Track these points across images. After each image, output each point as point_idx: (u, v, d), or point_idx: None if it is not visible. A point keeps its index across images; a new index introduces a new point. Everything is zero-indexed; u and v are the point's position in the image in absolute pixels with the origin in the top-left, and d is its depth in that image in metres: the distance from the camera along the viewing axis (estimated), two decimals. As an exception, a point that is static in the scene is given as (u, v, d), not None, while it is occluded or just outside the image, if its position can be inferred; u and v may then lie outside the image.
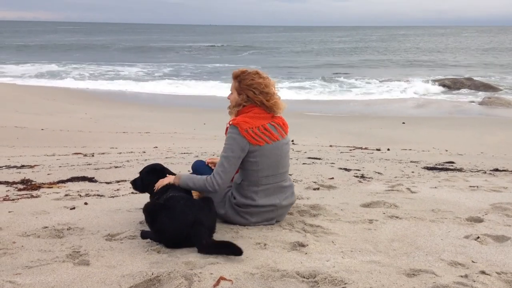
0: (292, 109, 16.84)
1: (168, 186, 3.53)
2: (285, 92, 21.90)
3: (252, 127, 3.36)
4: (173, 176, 3.59)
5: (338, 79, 29.28)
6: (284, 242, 3.22)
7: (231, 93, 3.57)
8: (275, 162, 3.47)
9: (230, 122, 3.43)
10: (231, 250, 2.91)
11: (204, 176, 3.44)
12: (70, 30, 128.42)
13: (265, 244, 3.15)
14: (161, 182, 3.58)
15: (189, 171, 4.13)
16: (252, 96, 3.44)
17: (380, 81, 28.03)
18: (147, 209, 3.25)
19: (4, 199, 4.58)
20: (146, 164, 4.25)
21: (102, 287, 2.48)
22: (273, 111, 3.50)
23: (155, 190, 3.59)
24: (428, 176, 6.37)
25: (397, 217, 3.86)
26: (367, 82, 27.59)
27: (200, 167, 3.85)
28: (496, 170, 7.13)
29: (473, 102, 21.11)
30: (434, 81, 27.37)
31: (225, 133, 3.52)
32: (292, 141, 3.62)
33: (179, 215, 3.11)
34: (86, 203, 4.34)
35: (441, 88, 24.99)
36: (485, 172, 6.87)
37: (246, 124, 3.36)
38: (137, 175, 3.87)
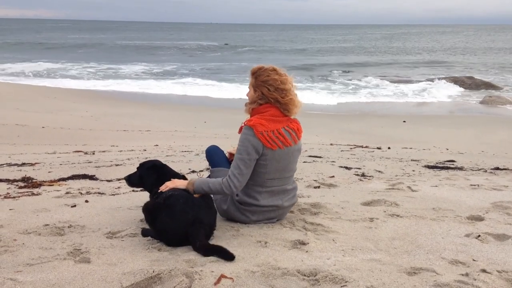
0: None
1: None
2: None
3: (267, 130, 3.31)
4: (185, 182, 3.47)
5: (350, 81, 28.44)
6: (285, 240, 3.22)
7: (249, 90, 3.52)
8: (283, 166, 3.45)
9: (246, 123, 3.37)
10: (223, 255, 2.88)
11: (219, 179, 3.37)
12: (70, 28, 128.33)
13: (265, 242, 3.15)
14: (173, 185, 3.44)
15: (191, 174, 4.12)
16: (266, 93, 3.38)
17: (391, 82, 27.14)
18: (147, 209, 3.24)
19: (5, 197, 4.59)
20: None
21: (103, 285, 2.48)
22: (289, 109, 3.42)
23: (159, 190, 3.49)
24: (429, 175, 6.37)
25: (398, 216, 3.86)
26: (382, 87, 26.09)
27: (213, 153, 3.80)
28: (497, 168, 7.12)
29: (474, 101, 21.10)
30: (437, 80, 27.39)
31: (239, 132, 3.47)
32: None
33: (179, 214, 3.11)
34: (87, 201, 4.35)
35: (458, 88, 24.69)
36: (486, 171, 6.87)
37: (261, 126, 3.30)
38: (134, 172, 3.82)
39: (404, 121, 15.66)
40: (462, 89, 24.31)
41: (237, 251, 2.95)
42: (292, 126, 3.47)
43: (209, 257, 2.84)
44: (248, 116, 3.48)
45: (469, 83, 25.35)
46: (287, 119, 3.46)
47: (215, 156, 3.76)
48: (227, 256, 2.85)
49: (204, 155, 3.96)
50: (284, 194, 3.57)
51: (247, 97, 3.56)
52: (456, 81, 25.99)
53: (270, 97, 3.38)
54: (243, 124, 3.40)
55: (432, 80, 26.97)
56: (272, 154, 3.35)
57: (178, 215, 3.10)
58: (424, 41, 78.51)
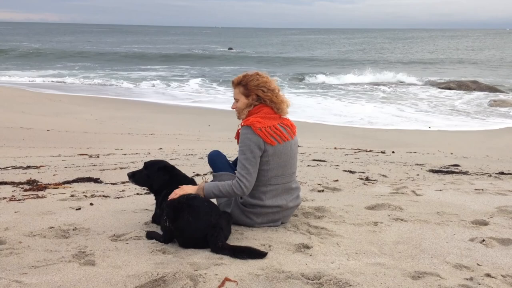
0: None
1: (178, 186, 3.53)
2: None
3: (264, 126, 3.41)
4: (196, 187, 3.49)
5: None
6: (289, 243, 3.23)
7: (237, 101, 3.59)
8: (284, 162, 3.50)
9: (242, 123, 3.46)
10: (253, 254, 2.95)
11: (229, 181, 3.42)
12: (76, 32, 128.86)
13: (269, 246, 3.16)
14: (182, 192, 3.43)
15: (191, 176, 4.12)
16: (262, 94, 3.50)
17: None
18: (171, 205, 3.25)
19: (10, 200, 4.61)
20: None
21: (107, 287, 2.49)
22: (281, 109, 3.54)
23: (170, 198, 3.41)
24: (433, 179, 6.36)
25: (402, 220, 3.86)
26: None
27: (216, 157, 3.82)
28: (502, 173, 7.10)
29: (478, 105, 21.01)
30: (440, 83, 27.35)
31: (236, 137, 3.54)
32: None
33: (203, 215, 3.15)
34: (91, 204, 4.37)
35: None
36: (490, 175, 6.84)
37: (258, 123, 3.40)
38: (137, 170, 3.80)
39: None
40: (467, 92, 24.19)
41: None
42: (286, 123, 3.58)
43: (213, 260, 2.85)
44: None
45: (473, 87, 25.29)
46: (279, 116, 3.57)
47: (217, 161, 3.79)
48: (259, 254, 2.94)
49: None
50: (288, 194, 3.59)
51: (233, 109, 3.65)
52: (461, 85, 25.93)
53: (265, 98, 3.50)
54: (239, 126, 3.49)
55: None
56: (273, 149, 3.42)
57: (202, 216, 3.14)
58: (429, 45, 78.41)
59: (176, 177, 3.66)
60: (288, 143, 3.51)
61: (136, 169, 4.04)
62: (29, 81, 26.89)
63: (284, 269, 2.73)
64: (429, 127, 15.47)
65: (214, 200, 3.66)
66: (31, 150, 9.58)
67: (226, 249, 3.00)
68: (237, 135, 3.53)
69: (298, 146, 3.82)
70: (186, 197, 3.30)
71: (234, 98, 3.62)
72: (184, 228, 3.12)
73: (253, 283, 2.54)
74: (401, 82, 29.14)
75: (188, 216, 3.13)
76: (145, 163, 3.78)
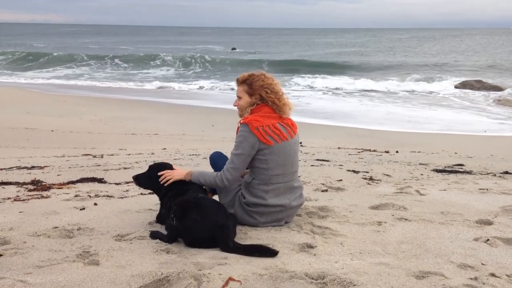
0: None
1: (188, 187, 3.57)
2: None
3: (262, 125, 3.43)
4: (185, 172, 3.64)
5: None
6: (293, 243, 3.23)
7: (240, 99, 3.61)
8: (284, 160, 3.51)
9: (241, 121, 3.49)
10: (265, 252, 2.98)
11: (215, 173, 3.53)
12: (80, 33, 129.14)
13: (273, 245, 3.15)
14: (172, 175, 3.63)
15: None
16: (265, 95, 3.52)
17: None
18: (179, 204, 3.27)
19: (15, 200, 4.63)
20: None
21: (112, 287, 2.49)
22: (283, 111, 3.55)
23: (162, 181, 3.62)
24: (437, 179, 6.34)
25: (406, 219, 3.85)
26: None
27: (217, 159, 3.88)
28: (506, 172, 7.07)
29: (482, 104, 20.95)
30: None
31: (236, 134, 3.56)
32: (300, 143, 3.65)
33: (211, 215, 3.17)
34: (95, 204, 4.38)
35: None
36: (494, 175, 6.82)
37: (257, 122, 3.42)
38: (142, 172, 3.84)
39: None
40: (471, 92, 24.10)
41: (245, 254, 2.97)
42: (287, 122, 3.60)
43: (217, 260, 2.85)
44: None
45: (478, 87, 25.21)
46: (279, 116, 3.58)
47: (219, 162, 3.82)
48: (270, 252, 2.96)
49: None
50: (291, 193, 3.60)
51: (235, 107, 3.67)
52: (465, 84, 25.85)
53: (268, 99, 3.53)
54: (239, 123, 3.52)
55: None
56: (271, 149, 3.44)
57: (210, 217, 3.16)
58: (433, 44, 78.15)
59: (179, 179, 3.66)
60: (287, 142, 3.51)
61: (141, 170, 4.07)
62: (36, 82, 27.03)
63: (288, 269, 2.72)
64: (485, 131, 14.90)
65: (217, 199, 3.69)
66: (35, 150, 9.62)
67: (238, 249, 3.02)
68: (237, 133, 3.56)
69: (301, 145, 3.82)
70: (194, 197, 3.33)
71: (237, 96, 3.64)
72: (191, 227, 3.13)
73: (257, 283, 2.54)
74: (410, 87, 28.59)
75: (196, 215, 3.15)
76: (149, 165, 3.82)
